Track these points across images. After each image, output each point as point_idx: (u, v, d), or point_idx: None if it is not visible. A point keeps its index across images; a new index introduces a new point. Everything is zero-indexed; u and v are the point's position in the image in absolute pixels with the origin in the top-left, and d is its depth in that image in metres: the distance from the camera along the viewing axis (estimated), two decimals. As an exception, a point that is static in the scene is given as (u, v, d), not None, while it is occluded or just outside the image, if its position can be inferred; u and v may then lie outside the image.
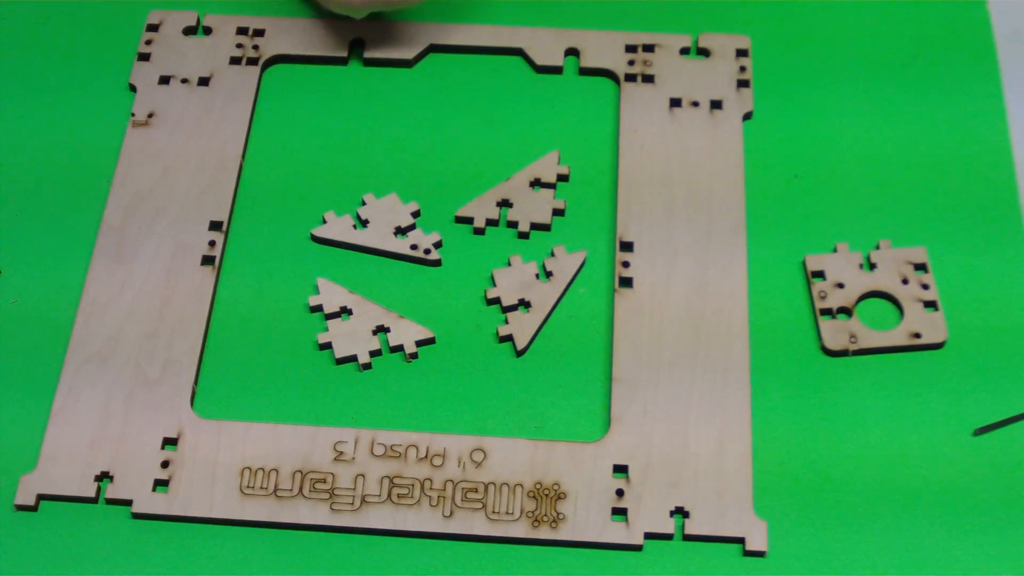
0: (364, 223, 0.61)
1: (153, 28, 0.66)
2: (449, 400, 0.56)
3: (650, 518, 0.52)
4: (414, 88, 0.65)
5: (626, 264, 0.59)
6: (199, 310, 0.58)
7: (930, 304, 0.58)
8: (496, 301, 0.58)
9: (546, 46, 0.65)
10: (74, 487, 0.53)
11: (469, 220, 0.61)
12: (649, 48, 0.65)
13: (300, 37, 0.66)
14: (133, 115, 0.63)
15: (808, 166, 0.62)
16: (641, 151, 0.62)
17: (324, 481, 0.53)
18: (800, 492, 0.54)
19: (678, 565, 0.52)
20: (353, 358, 0.57)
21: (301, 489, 0.53)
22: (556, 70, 0.65)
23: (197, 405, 0.56)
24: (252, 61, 0.65)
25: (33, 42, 0.67)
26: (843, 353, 0.57)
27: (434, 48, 0.66)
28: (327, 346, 0.57)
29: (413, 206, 0.61)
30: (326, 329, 0.58)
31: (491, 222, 0.61)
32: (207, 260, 0.59)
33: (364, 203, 0.61)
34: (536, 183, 0.62)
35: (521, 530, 0.52)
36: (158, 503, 0.53)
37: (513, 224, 0.61)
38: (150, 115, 0.63)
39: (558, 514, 0.53)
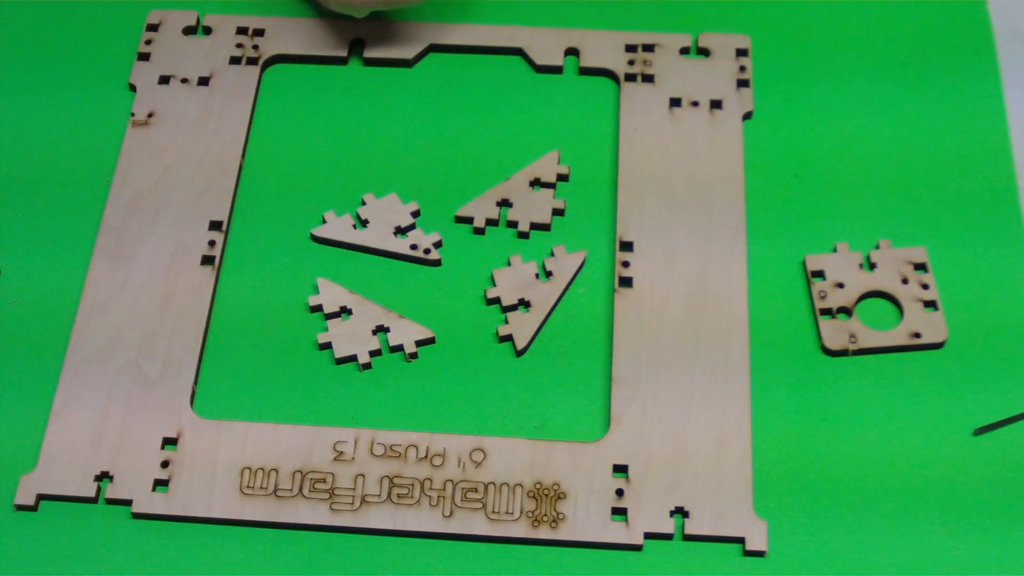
0: (364, 223, 0.61)
1: (153, 28, 0.66)
2: (449, 400, 0.56)
3: (650, 518, 0.52)
4: (414, 88, 0.65)
5: (626, 264, 0.59)
6: (199, 310, 0.58)
7: (930, 304, 0.58)
8: (496, 301, 0.58)
9: (546, 46, 0.65)
10: (74, 487, 0.53)
11: (469, 220, 0.61)
12: (649, 48, 0.65)
13: (300, 37, 0.66)
14: (133, 115, 0.63)
15: (808, 166, 0.62)
16: (641, 151, 0.62)
17: (324, 481, 0.53)
18: (800, 492, 0.54)
19: (678, 565, 0.52)
20: (353, 358, 0.57)
21: (301, 489, 0.53)
22: (556, 70, 0.65)
23: (197, 405, 0.56)
24: (252, 61, 0.65)
25: (33, 42, 0.67)
26: (843, 353, 0.57)
27: (434, 48, 0.66)
28: (327, 346, 0.57)
29: (413, 206, 0.61)
30: (326, 329, 0.58)
31: (491, 222, 0.61)
32: (207, 260, 0.59)
33: (364, 203, 0.61)
34: (536, 183, 0.62)
35: (521, 530, 0.52)
36: (158, 503, 0.53)
37: (513, 224, 0.61)
38: (150, 115, 0.63)
39: (558, 514, 0.53)
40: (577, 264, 0.59)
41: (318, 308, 0.58)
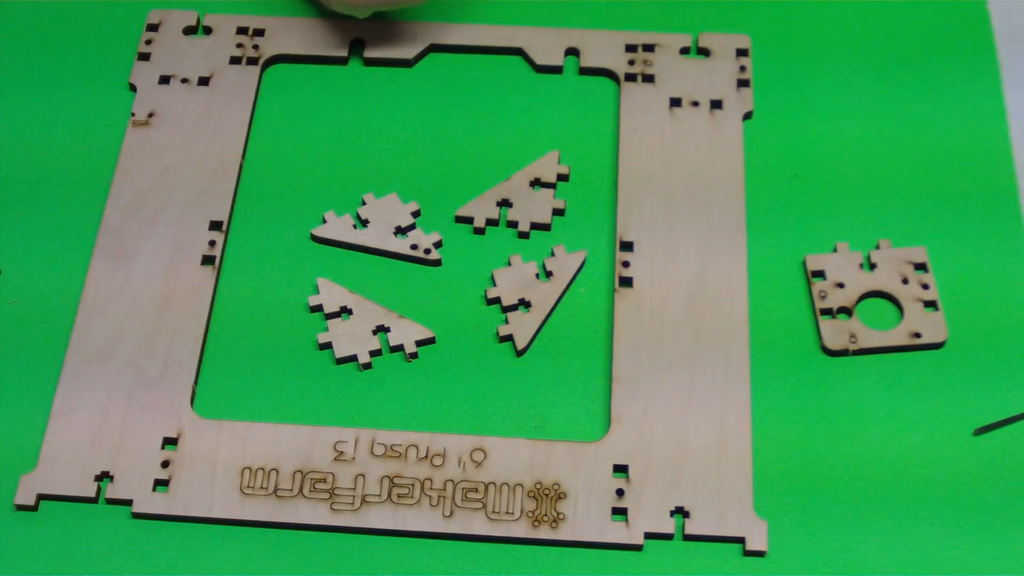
0: (364, 223, 0.61)
1: (153, 28, 0.66)
2: (449, 400, 0.56)
3: (650, 518, 0.52)
4: (414, 88, 0.65)
5: (626, 264, 0.59)
6: (199, 310, 0.58)
7: (930, 304, 0.58)
8: (496, 301, 0.58)
9: (546, 46, 0.65)
10: (74, 487, 0.53)
11: (469, 220, 0.61)
12: (649, 48, 0.65)
13: (300, 37, 0.66)
14: (133, 115, 0.63)
15: (808, 166, 0.62)
16: (641, 151, 0.62)
17: (324, 481, 0.53)
18: (800, 492, 0.54)
19: (678, 565, 0.52)
20: (353, 358, 0.57)
21: (301, 489, 0.53)
22: (556, 70, 0.65)
23: (197, 405, 0.56)
24: (252, 61, 0.65)
25: (33, 42, 0.67)
26: (843, 353, 0.57)
27: (434, 48, 0.66)
28: (327, 346, 0.57)
29: (413, 206, 0.61)
30: (326, 329, 0.58)
31: (491, 222, 0.61)
32: (207, 260, 0.59)
33: (364, 203, 0.61)
34: (536, 183, 0.62)
35: (521, 530, 0.52)
36: (158, 503, 0.53)
37: (513, 224, 0.61)
38: (150, 115, 0.63)
39: (558, 514, 0.53)
40: (577, 264, 0.59)
41: (318, 308, 0.58)
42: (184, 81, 0.64)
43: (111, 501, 0.53)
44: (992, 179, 0.61)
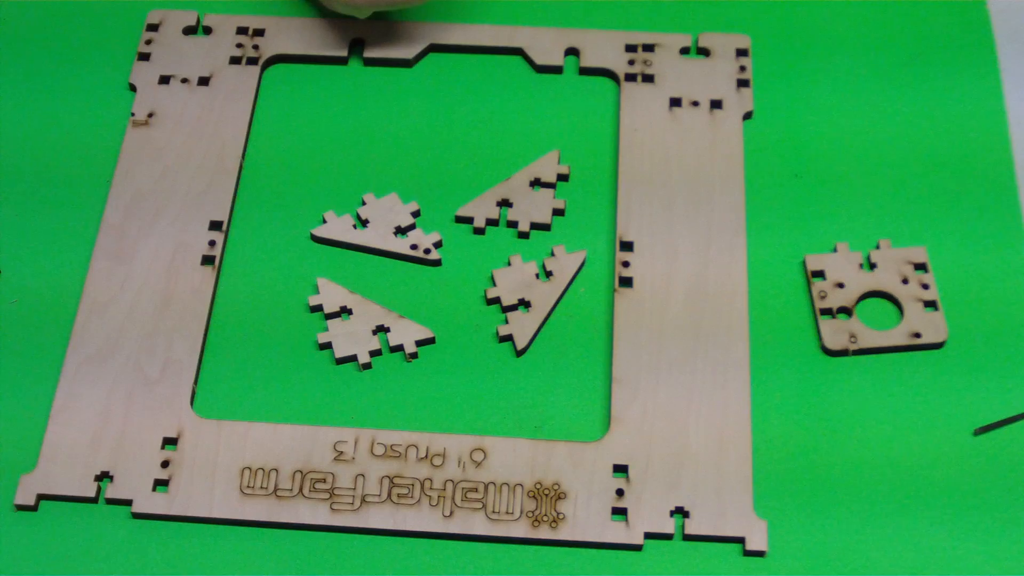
0: (364, 223, 0.61)
1: (153, 28, 0.66)
2: (449, 400, 0.56)
3: (650, 518, 0.52)
4: (414, 88, 0.65)
5: (626, 264, 0.59)
6: (199, 310, 0.58)
7: (930, 304, 0.58)
8: (496, 301, 0.58)
9: (546, 46, 0.65)
10: (74, 487, 0.53)
11: (469, 220, 0.61)
12: (649, 48, 0.65)
13: (300, 37, 0.66)
14: (133, 115, 0.63)
15: (808, 165, 0.62)
16: (641, 151, 0.62)
17: (324, 481, 0.53)
18: (800, 492, 0.54)
19: (678, 565, 0.52)
20: (353, 358, 0.57)
21: (301, 489, 0.53)
22: (556, 70, 0.65)
23: (197, 405, 0.56)
24: (252, 61, 0.65)
25: (33, 42, 0.67)
26: (843, 353, 0.57)
27: (434, 48, 0.66)
28: (327, 346, 0.57)
29: (413, 206, 0.61)
30: (326, 329, 0.58)
31: (491, 222, 0.61)
32: (207, 260, 0.59)
33: (364, 203, 0.61)
34: (536, 183, 0.62)
35: (521, 530, 0.52)
36: (158, 503, 0.53)
37: (513, 224, 0.61)
38: (150, 115, 0.63)
39: (558, 514, 0.53)
40: (577, 264, 0.59)
41: (318, 308, 0.58)
42: (184, 81, 0.64)
43: (111, 501, 0.53)
44: (992, 179, 0.61)
